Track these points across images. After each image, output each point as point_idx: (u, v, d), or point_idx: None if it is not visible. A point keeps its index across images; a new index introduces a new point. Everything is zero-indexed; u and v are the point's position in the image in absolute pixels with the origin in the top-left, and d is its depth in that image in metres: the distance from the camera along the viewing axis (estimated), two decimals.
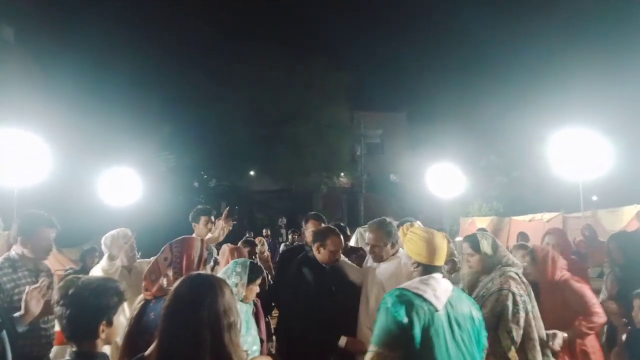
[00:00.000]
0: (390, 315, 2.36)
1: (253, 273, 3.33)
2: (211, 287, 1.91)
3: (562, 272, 3.82)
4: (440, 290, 2.47)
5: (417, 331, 2.31)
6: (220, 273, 3.36)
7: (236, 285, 3.23)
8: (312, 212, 4.90)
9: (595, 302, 3.70)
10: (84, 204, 11.86)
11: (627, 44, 19.84)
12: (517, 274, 3.31)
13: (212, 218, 4.70)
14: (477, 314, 2.58)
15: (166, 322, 1.85)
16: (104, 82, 19.20)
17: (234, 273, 3.29)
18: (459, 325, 2.43)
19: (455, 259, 8.73)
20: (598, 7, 22.62)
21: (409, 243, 2.69)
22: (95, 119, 16.70)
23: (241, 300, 3.26)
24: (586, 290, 3.74)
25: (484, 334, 2.59)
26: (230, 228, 4.53)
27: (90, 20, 21.03)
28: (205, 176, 27.00)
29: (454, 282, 6.94)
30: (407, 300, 2.38)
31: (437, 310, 2.39)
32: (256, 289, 3.38)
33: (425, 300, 2.40)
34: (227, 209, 4.41)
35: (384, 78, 38.16)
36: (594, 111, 14.08)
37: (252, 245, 5.84)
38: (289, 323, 3.94)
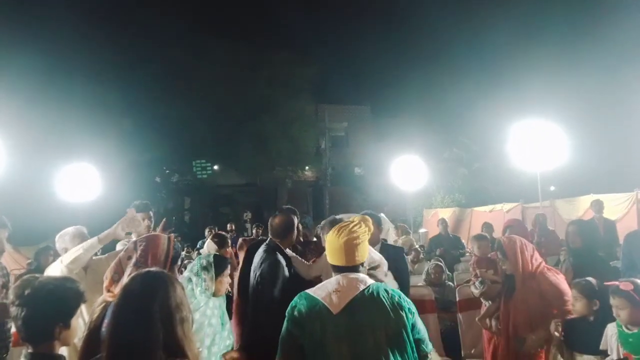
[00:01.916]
0: (284, 325, 2.34)
1: (219, 265, 3.33)
2: (162, 282, 1.89)
3: (536, 261, 3.76)
4: (344, 292, 2.33)
5: (305, 339, 2.26)
6: (187, 271, 3.33)
7: (205, 280, 3.22)
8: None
9: (569, 298, 3.60)
10: (42, 201, 11.54)
11: (584, 38, 20.42)
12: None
13: (151, 214, 4.36)
14: (404, 313, 2.34)
15: (118, 318, 1.83)
16: (62, 75, 18.65)
17: (200, 269, 3.27)
18: (359, 328, 2.25)
19: (419, 249, 8.90)
20: (556, 1, 23.20)
21: (326, 243, 2.61)
22: (53, 113, 16.22)
23: (213, 295, 3.25)
24: (562, 283, 3.68)
25: (413, 340, 2.35)
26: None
27: (47, 11, 20.38)
28: (167, 171, 26.54)
29: (418, 272, 7.04)
30: (300, 307, 2.33)
31: (332, 314, 2.27)
32: (226, 280, 3.37)
33: (320, 303, 2.31)
34: (164, 220, 4.15)
35: (348, 71, 38.28)
36: (551, 104, 14.46)
37: (223, 238, 5.72)
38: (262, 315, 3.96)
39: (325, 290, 2.36)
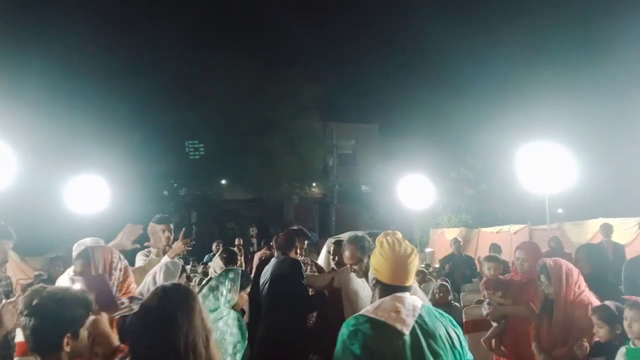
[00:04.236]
0: (346, 349, 2.12)
1: (243, 280, 3.51)
2: (185, 298, 1.86)
3: (579, 288, 3.63)
4: (405, 311, 2.18)
5: None
6: (212, 280, 3.52)
7: (230, 290, 3.38)
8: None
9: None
10: (49, 212, 11.58)
11: (593, 61, 20.46)
12: None
13: (171, 227, 4.49)
14: (457, 333, 2.26)
15: (141, 338, 1.78)
16: (72, 87, 18.85)
17: (227, 280, 3.43)
18: (431, 349, 2.12)
19: (425, 270, 8.84)
20: (563, 23, 23.29)
21: (373, 257, 2.42)
22: (63, 124, 16.35)
23: (232, 307, 3.40)
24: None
25: (469, 356, 2.27)
26: (189, 248, 4.39)
27: (58, 23, 20.67)
28: (175, 185, 26.64)
29: (424, 292, 7.03)
30: (364, 329, 2.13)
31: (403, 335, 2.11)
32: (245, 296, 3.55)
33: (386, 325, 2.13)
34: (183, 230, 4.29)
35: (356, 90, 38.36)
36: (560, 126, 14.43)
37: (232, 254, 5.64)
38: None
39: (386, 312, 2.18)
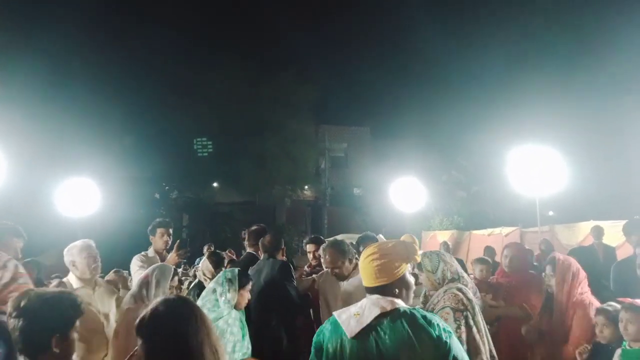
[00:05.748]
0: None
1: (242, 280, 3.55)
2: (190, 308, 1.87)
3: (582, 289, 3.67)
4: (362, 315, 2.17)
5: None
6: (212, 282, 3.56)
7: (228, 291, 3.44)
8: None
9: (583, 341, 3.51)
10: (40, 215, 11.49)
11: (585, 64, 20.62)
12: (460, 289, 3.09)
13: (170, 231, 4.69)
14: (429, 347, 2.07)
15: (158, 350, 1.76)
16: (63, 90, 18.78)
17: (225, 281, 3.48)
18: (376, 357, 2.07)
19: (416, 272, 8.85)
20: (555, 26, 23.47)
21: None
22: (53, 127, 16.27)
23: (235, 307, 3.46)
24: (590, 322, 3.55)
25: None
26: (184, 260, 4.59)
27: (50, 26, 20.58)
28: (167, 187, 26.52)
29: (416, 295, 7.07)
30: (325, 330, 2.27)
31: (347, 338, 2.14)
32: (247, 295, 3.58)
33: (339, 326, 2.19)
34: (177, 242, 4.46)
35: (348, 93, 38.46)
36: (550, 129, 14.52)
37: (220, 257, 5.59)
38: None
39: (347, 313, 2.24)
